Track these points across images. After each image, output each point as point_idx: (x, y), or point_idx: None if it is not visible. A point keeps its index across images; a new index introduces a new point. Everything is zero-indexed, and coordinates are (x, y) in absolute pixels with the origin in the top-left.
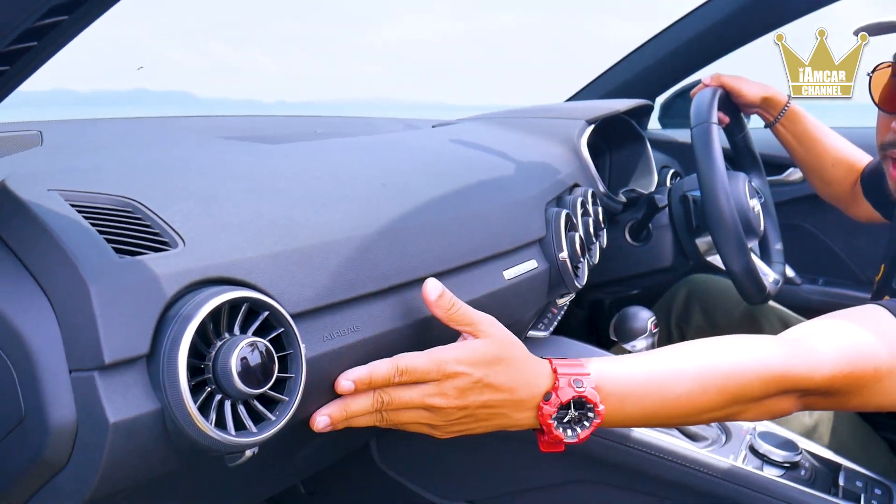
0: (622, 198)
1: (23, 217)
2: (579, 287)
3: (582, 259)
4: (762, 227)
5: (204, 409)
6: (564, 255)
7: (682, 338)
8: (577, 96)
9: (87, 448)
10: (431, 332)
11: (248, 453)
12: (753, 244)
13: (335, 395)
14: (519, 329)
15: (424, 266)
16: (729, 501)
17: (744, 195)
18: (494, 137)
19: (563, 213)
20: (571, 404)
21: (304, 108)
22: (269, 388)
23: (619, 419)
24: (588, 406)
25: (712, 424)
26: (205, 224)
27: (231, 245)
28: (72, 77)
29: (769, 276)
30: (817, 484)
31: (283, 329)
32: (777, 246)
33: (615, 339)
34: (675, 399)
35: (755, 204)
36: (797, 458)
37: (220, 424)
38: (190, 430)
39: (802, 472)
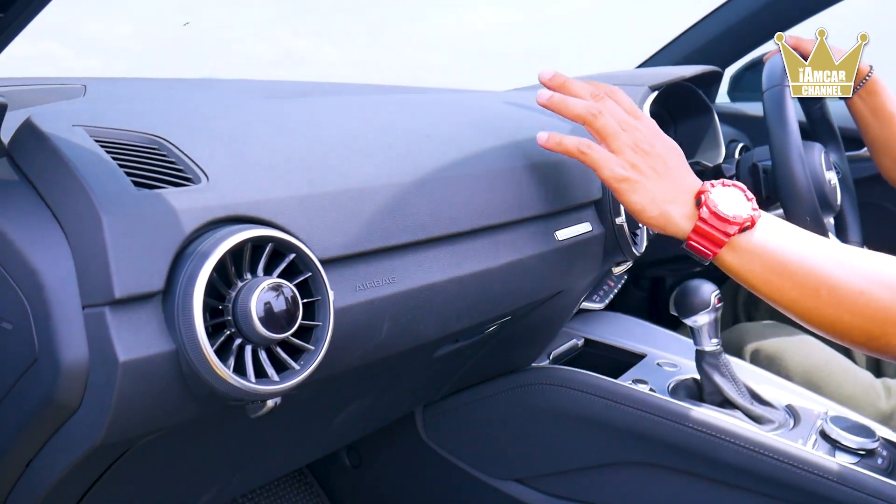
0: None
1: (44, 150)
2: (637, 255)
3: (640, 225)
4: (839, 202)
5: (223, 354)
6: (622, 219)
7: (750, 321)
8: (645, 64)
9: (99, 389)
10: (474, 289)
11: (270, 403)
12: (829, 220)
13: (368, 350)
14: (572, 297)
15: (467, 218)
16: (795, 488)
17: (819, 165)
18: None
19: None
20: (724, 190)
21: None
22: (296, 336)
23: (773, 240)
24: (746, 201)
25: (779, 407)
26: (232, 162)
27: (258, 184)
28: (143, 66)
29: None
30: None
31: (310, 274)
32: (855, 225)
33: (675, 314)
34: (829, 257)
35: (832, 177)
36: (874, 446)
37: (241, 371)
38: (205, 372)
39: (879, 461)
